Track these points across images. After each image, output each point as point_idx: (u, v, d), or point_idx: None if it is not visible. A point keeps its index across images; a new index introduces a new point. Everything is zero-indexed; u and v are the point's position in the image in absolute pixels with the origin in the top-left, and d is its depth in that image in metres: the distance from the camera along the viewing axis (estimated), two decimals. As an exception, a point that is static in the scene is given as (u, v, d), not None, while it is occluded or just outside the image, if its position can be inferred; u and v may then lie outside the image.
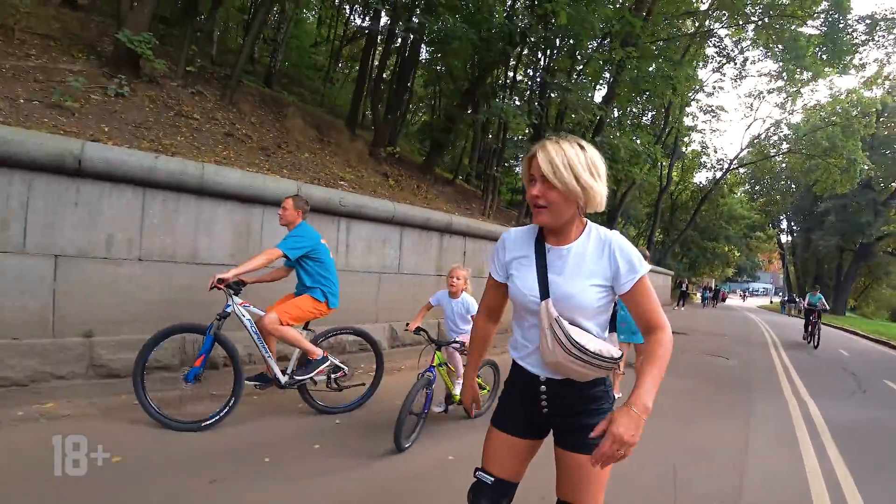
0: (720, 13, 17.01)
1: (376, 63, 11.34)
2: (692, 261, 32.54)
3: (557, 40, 11.71)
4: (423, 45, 10.53)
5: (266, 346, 3.51)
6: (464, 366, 3.57)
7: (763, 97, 26.27)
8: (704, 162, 29.72)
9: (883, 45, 17.74)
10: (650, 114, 21.34)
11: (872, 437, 4.59)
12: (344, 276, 5.22)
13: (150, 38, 6.34)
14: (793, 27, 15.38)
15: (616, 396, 5.02)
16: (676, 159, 25.17)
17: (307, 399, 3.70)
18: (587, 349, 1.29)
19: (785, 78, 20.69)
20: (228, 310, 3.33)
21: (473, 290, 3.71)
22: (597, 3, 10.06)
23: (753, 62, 32.64)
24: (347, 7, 15.97)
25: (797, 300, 30.44)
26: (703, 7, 16.92)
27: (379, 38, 10.99)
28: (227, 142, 6.13)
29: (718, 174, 29.38)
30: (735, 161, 29.13)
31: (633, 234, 30.16)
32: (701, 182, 32.16)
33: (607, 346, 1.34)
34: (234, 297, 3.35)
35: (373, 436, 3.34)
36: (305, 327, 3.78)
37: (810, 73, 17.93)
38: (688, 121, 23.80)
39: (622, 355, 1.37)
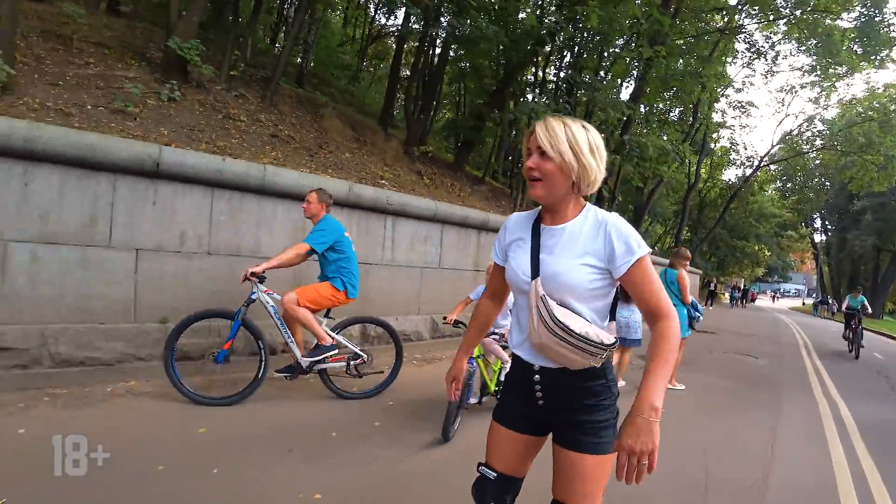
0: (750, 8, 16.72)
1: (403, 62, 11.59)
2: (721, 260, 31.98)
3: (586, 40, 11.78)
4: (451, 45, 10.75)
5: (289, 332, 3.75)
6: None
7: (795, 92, 25.56)
8: (734, 159, 29.14)
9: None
10: (678, 110, 21.12)
11: (903, 436, 4.59)
12: (389, 270, 5.55)
13: (198, 45, 6.71)
14: (826, 21, 15.05)
15: (676, 387, 5.17)
16: (705, 156, 24.80)
17: (327, 384, 3.91)
18: (571, 330, 1.24)
19: (819, 73, 20.18)
20: (254, 296, 3.61)
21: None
22: (626, 2, 10.11)
23: (785, 57, 31.78)
24: (372, 6, 16.28)
25: (830, 302, 29.66)
26: (733, 2, 16.66)
27: (410, 39, 11.22)
28: (273, 143, 6.48)
29: (748, 171, 28.79)
30: (766, 158, 28.50)
31: (660, 232, 29.85)
32: (730, 179, 31.52)
33: (597, 331, 1.27)
34: (258, 285, 3.62)
35: (420, 423, 3.56)
36: (326, 315, 3.97)
37: (845, 68, 17.48)
38: (717, 117, 23.40)
39: (615, 343, 1.29)
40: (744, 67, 21.36)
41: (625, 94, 15.25)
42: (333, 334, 3.90)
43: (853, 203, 30.52)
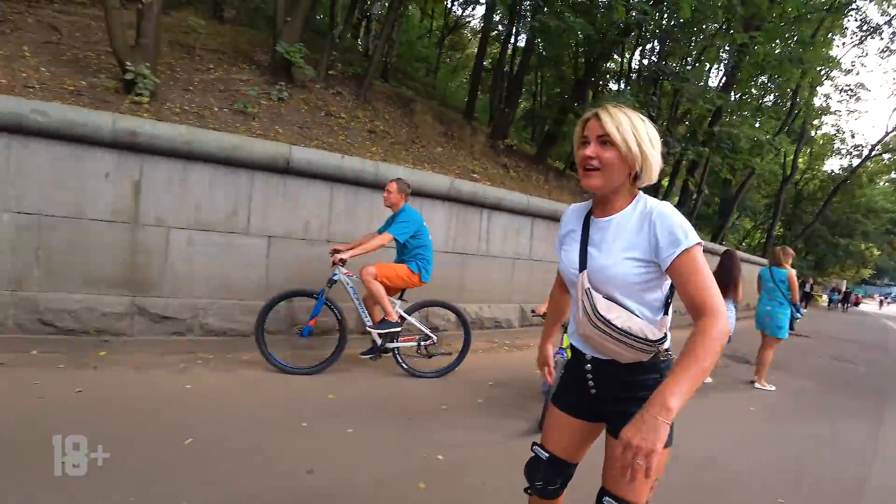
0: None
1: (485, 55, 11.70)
2: (819, 259, 29.22)
3: (674, 28, 11.26)
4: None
5: (367, 313, 4.09)
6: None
7: (918, 72, 22.68)
8: (838, 148, 26.42)
9: None
10: (773, 95, 19.52)
11: None
12: (483, 261, 5.84)
13: (301, 48, 7.27)
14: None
15: (766, 387, 5.09)
16: (803, 145, 22.75)
17: (399, 362, 4.20)
18: (613, 324, 1.23)
19: (949, 50, 17.86)
20: (336, 278, 3.97)
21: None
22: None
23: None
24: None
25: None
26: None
27: (493, 33, 11.34)
28: (372, 138, 6.94)
29: (856, 161, 26.02)
30: (878, 146, 25.63)
31: (749, 228, 27.87)
32: (833, 170, 28.64)
33: (642, 326, 1.24)
34: (340, 268, 3.96)
35: (522, 402, 3.85)
36: (400, 297, 4.24)
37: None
38: (819, 102, 21.34)
39: (663, 338, 1.26)
40: (854, 47, 19.32)
41: (713, 82, 14.44)
42: (405, 315, 4.18)
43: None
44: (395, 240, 4.04)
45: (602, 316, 1.24)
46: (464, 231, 5.57)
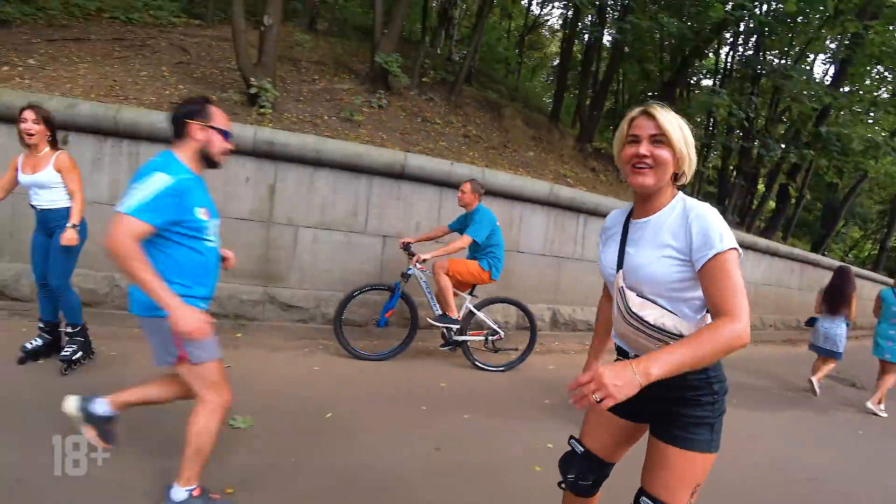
0: None
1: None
2: (941, 274, 25.85)
3: (775, 20, 10.52)
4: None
5: (439, 306, 4.23)
6: None
7: None
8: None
9: None
10: (890, 87, 17.45)
11: None
12: (579, 264, 5.97)
13: (398, 57, 7.67)
14: None
15: (878, 412, 4.79)
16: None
17: (467, 355, 4.35)
18: (645, 320, 1.24)
19: None
20: (410, 272, 4.15)
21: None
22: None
23: None
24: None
25: None
26: None
27: (584, 37, 11.28)
28: (467, 143, 7.24)
29: None
30: None
31: (857, 237, 25.29)
32: (963, 173, 25.18)
33: (675, 322, 1.24)
34: (417, 265, 4.07)
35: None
36: (471, 293, 4.37)
37: None
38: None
39: None
40: None
41: (817, 76, 13.29)
42: (475, 310, 4.33)
43: None
44: (472, 236, 4.15)
45: (634, 313, 1.26)
46: (560, 235, 5.72)
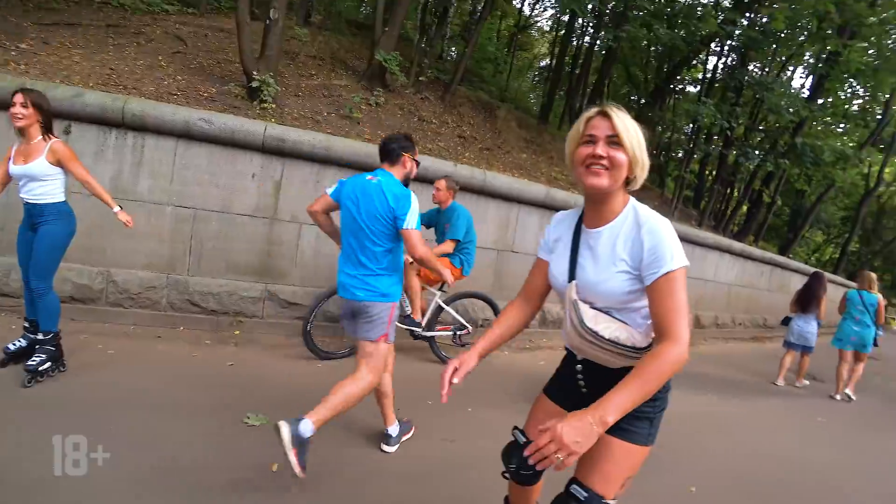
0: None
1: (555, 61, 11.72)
2: (896, 279, 27.26)
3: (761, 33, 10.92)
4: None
5: (408, 301, 4.19)
6: None
7: None
8: (933, 160, 24.37)
9: None
10: (860, 100, 18.16)
11: None
12: None
13: (397, 56, 7.69)
14: None
15: (848, 397, 5.64)
16: (892, 156, 21.19)
17: (434, 351, 4.39)
18: (600, 335, 1.25)
19: None
20: None
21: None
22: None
23: None
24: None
25: None
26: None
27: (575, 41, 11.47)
28: (462, 143, 7.34)
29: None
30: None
31: (820, 241, 26.39)
32: (923, 185, 26.47)
33: (629, 334, 1.26)
34: None
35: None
36: (440, 289, 4.37)
37: None
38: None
39: (652, 344, 1.24)
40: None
41: (795, 87, 13.81)
42: (444, 305, 4.36)
43: None
44: (459, 241, 4.20)
45: (589, 328, 1.26)
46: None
